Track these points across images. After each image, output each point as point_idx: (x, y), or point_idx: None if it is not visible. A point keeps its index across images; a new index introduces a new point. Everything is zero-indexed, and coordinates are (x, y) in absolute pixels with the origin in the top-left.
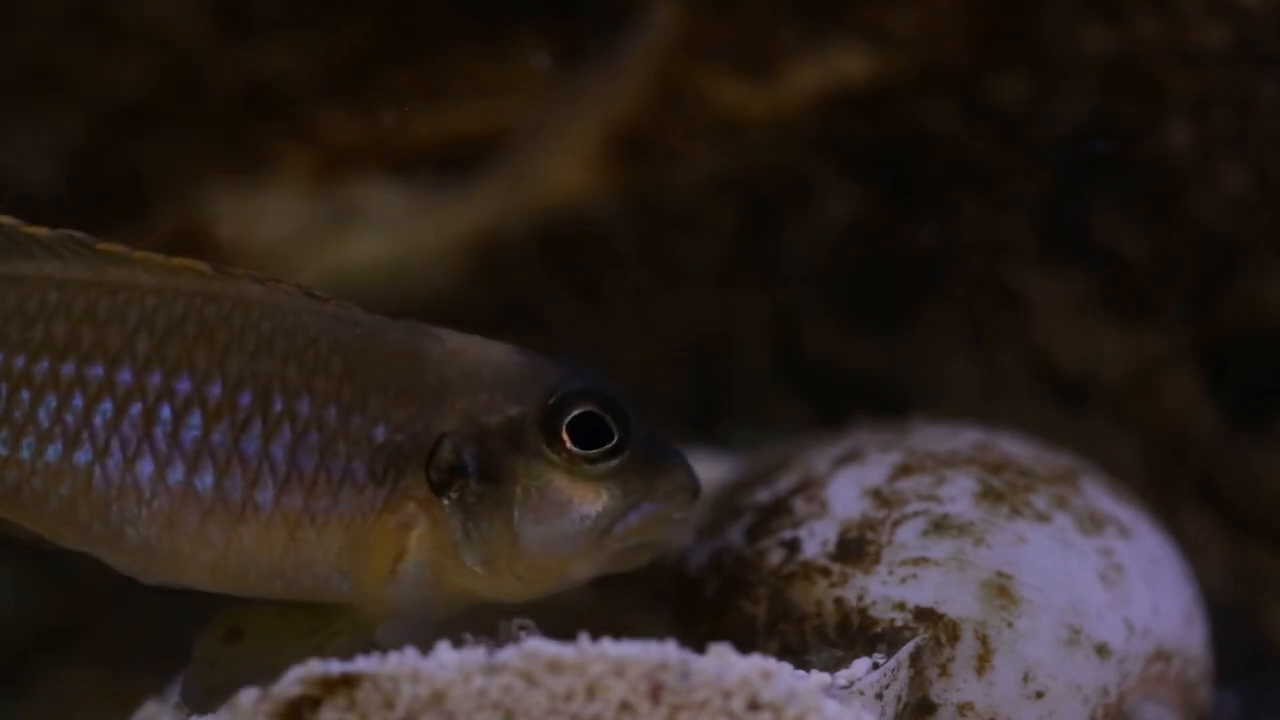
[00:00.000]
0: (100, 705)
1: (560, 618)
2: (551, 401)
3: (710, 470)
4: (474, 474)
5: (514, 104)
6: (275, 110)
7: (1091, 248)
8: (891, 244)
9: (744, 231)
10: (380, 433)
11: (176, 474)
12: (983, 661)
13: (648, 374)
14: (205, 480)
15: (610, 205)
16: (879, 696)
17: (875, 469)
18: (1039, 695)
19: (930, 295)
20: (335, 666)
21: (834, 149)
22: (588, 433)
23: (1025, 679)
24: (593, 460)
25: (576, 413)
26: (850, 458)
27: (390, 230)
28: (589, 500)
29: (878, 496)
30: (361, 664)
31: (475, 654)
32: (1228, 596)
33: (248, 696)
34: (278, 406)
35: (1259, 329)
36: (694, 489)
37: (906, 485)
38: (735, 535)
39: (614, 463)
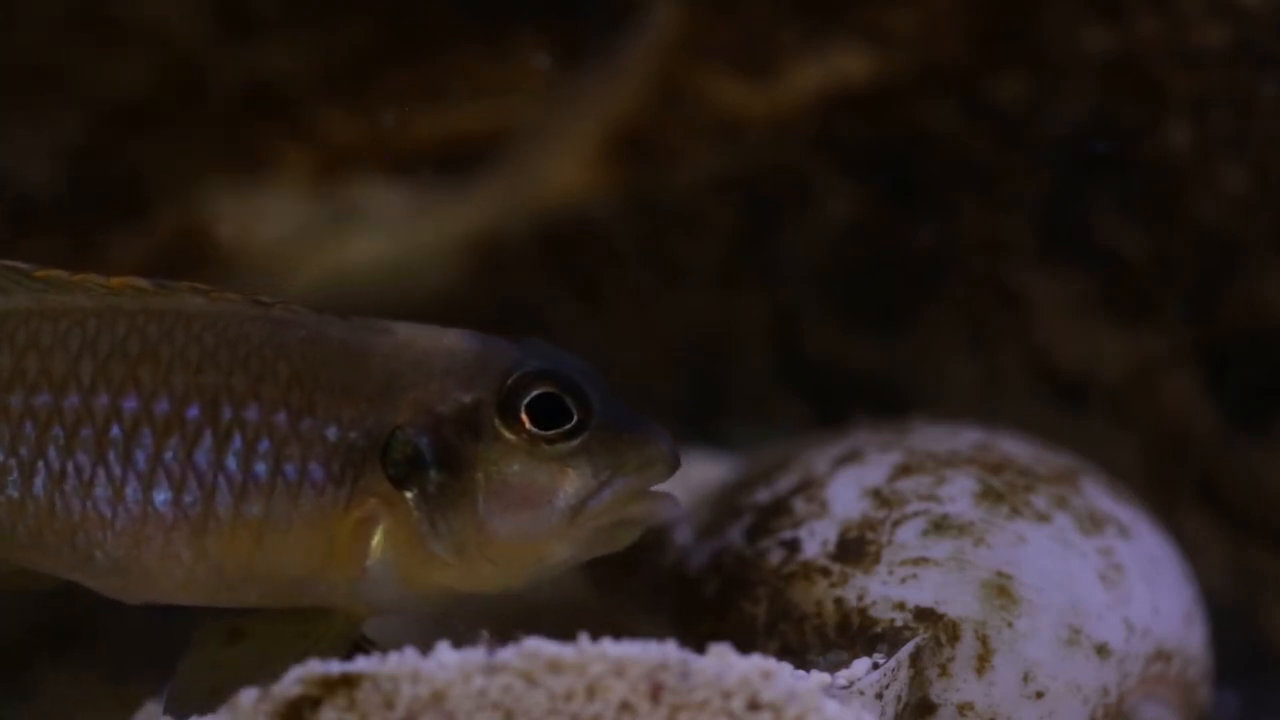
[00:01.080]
0: (101, 706)
1: (560, 618)
2: (507, 385)
3: (710, 470)
4: (433, 464)
5: (514, 104)
6: (275, 110)
7: (1091, 248)
8: (891, 244)
9: (744, 231)
10: (333, 432)
11: (133, 493)
12: (983, 661)
13: (648, 374)
14: (162, 496)
15: (610, 205)
16: (879, 696)
17: (875, 469)
18: (1039, 695)
19: (930, 295)
20: (335, 667)
21: (834, 149)
22: (548, 413)
23: (1025, 679)
24: (554, 441)
25: (534, 394)
26: (850, 458)
27: (390, 230)
28: (555, 481)
29: (878, 496)
30: (361, 664)
31: (475, 654)
32: (1228, 596)
33: (248, 697)
34: (226, 417)
35: (1259, 329)
36: (669, 460)
37: (906, 485)
38: (735, 535)
39: (577, 441)
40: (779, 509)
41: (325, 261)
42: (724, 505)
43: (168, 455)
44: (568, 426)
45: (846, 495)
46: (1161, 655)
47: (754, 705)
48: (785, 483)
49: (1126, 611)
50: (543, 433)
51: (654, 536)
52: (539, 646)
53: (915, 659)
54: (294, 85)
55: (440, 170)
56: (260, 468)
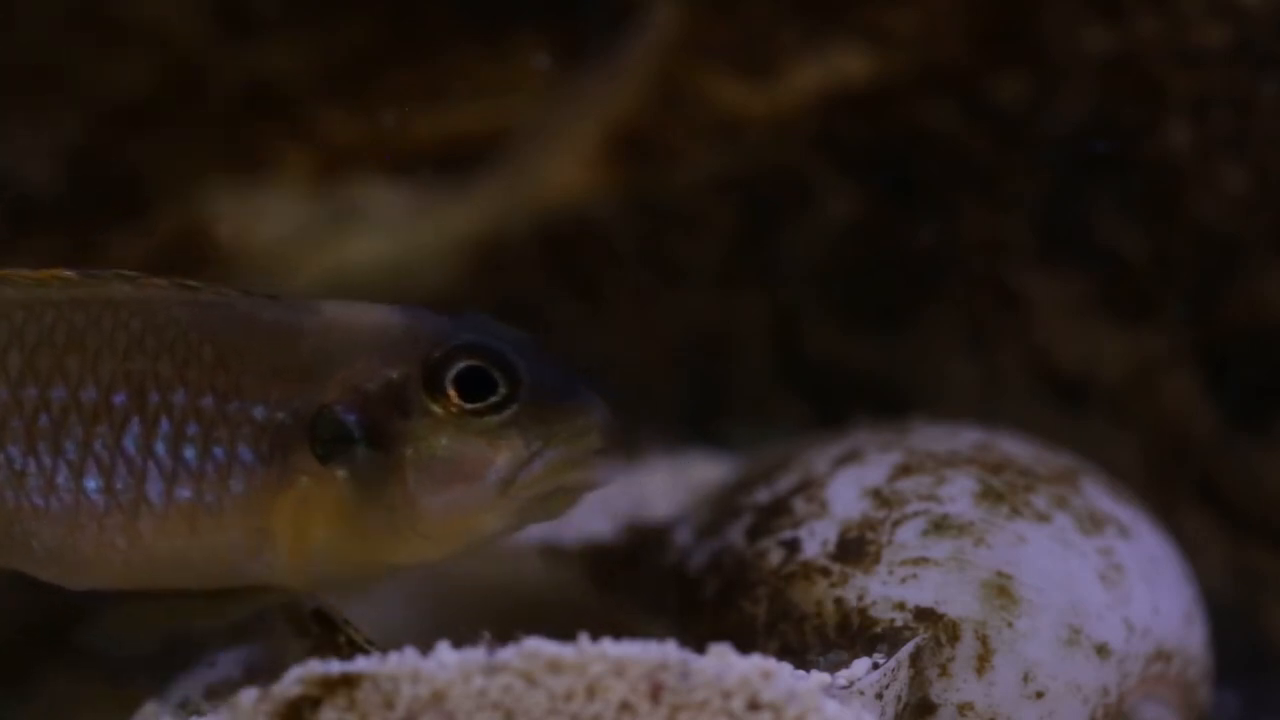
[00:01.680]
0: (100, 706)
1: (560, 617)
2: (433, 359)
3: (710, 470)
4: (361, 442)
5: (514, 104)
6: (275, 110)
7: (1091, 248)
8: (891, 244)
9: (744, 231)
10: (260, 413)
11: (65, 482)
12: (983, 661)
13: (648, 374)
14: (94, 484)
15: (610, 205)
16: (879, 696)
17: (875, 469)
18: (1039, 695)
19: (930, 295)
20: (335, 667)
21: (834, 149)
22: (475, 387)
23: (1025, 679)
24: (482, 414)
25: (459, 368)
26: (850, 458)
27: (390, 230)
28: (485, 455)
29: (878, 496)
30: (361, 664)
31: (475, 654)
32: (1228, 596)
33: (248, 696)
34: (154, 402)
35: (1259, 329)
36: (602, 427)
37: (906, 485)
38: (735, 535)
39: (507, 413)
40: (779, 509)
41: (325, 261)
42: (724, 505)
43: (97, 443)
44: (495, 399)
45: (846, 495)
46: (1161, 655)
47: (754, 705)
48: (785, 483)
49: (1126, 611)
50: (470, 406)
51: (654, 536)
52: (539, 646)
53: (915, 659)
54: (294, 85)
55: (440, 170)
56: (189, 452)
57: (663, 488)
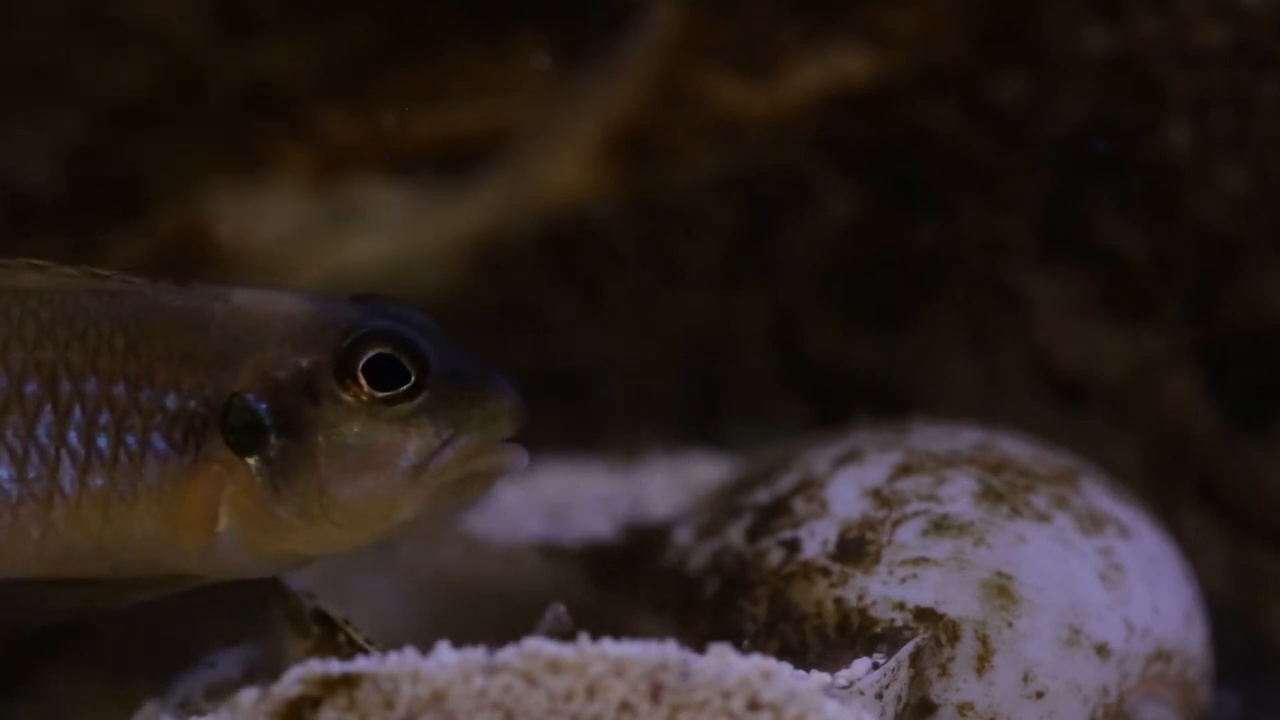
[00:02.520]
0: (100, 705)
1: None
2: (343, 347)
3: (710, 470)
4: (273, 429)
5: (514, 104)
6: (275, 110)
7: (1091, 248)
8: (891, 244)
9: (744, 231)
10: (172, 401)
11: None
12: (983, 661)
13: (648, 374)
14: (6, 473)
15: (610, 205)
16: (879, 696)
17: (875, 469)
18: (1039, 695)
19: (930, 295)
20: (335, 667)
21: (834, 149)
22: (385, 374)
23: (1025, 679)
24: (393, 401)
25: (369, 355)
26: (850, 458)
27: (390, 230)
28: (396, 442)
29: (878, 496)
30: (362, 664)
31: (475, 654)
32: (1228, 596)
33: (248, 696)
34: (65, 391)
35: (1259, 329)
36: (513, 414)
37: (906, 485)
38: (735, 535)
39: (417, 401)
40: (779, 509)
41: (325, 261)
42: (724, 505)
43: (9, 433)
44: (406, 386)
45: (846, 495)
46: (1161, 655)
47: (754, 705)
48: (785, 483)
49: (1126, 611)
50: (381, 394)
51: (654, 536)
52: (539, 646)
53: (915, 659)
54: (294, 85)
55: (440, 170)
56: (102, 440)
57: (663, 488)
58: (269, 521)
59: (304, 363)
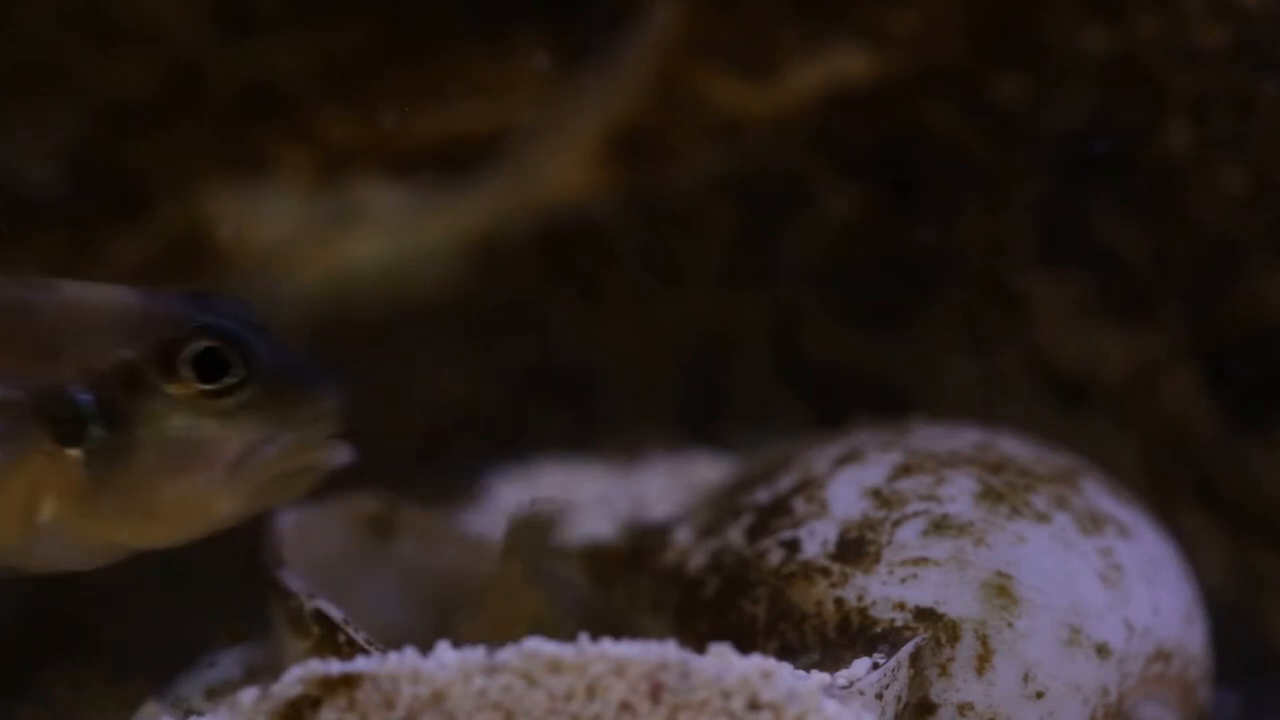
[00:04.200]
0: (100, 706)
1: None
2: (169, 340)
3: (710, 470)
4: (97, 422)
5: (514, 104)
6: (275, 110)
7: (1091, 248)
8: (891, 244)
9: (744, 231)
10: None
11: None
12: (983, 661)
13: (648, 374)
14: None
15: (610, 205)
16: (879, 696)
17: (875, 469)
18: (1039, 695)
19: (930, 295)
20: (335, 666)
21: (834, 149)
22: (211, 369)
23: (1025, 679)
24: (217, 396)
25: (196, 349)
26: (850, 458)
27: (390, 230)
28: (219, 437)
29: (878, 496)
30: (361, 664)
31: (475, 654)
32: (1228, 596)
33: (248, 696)
34: None
35: (1259, 329)
36: (335, 412)
37: (906, 485)
38: (735, 535)
39: (242, 396)
40: (779, 509)
41: (325, 261)
42: (724, 505)
43: None
44: (231, 381)
45: (846, 495)
46: (1161, 655)
47: (754, 705)
48: (785, 483)
49: (1126, 611)
50: (206, 388)
51: (654, 536)
52: (539, 646)
53: (915, 659)
54: (294, 85)
55: (440, 170)
56: None
57: (663, 488)
58: (91, 514)
59: (130, 355)
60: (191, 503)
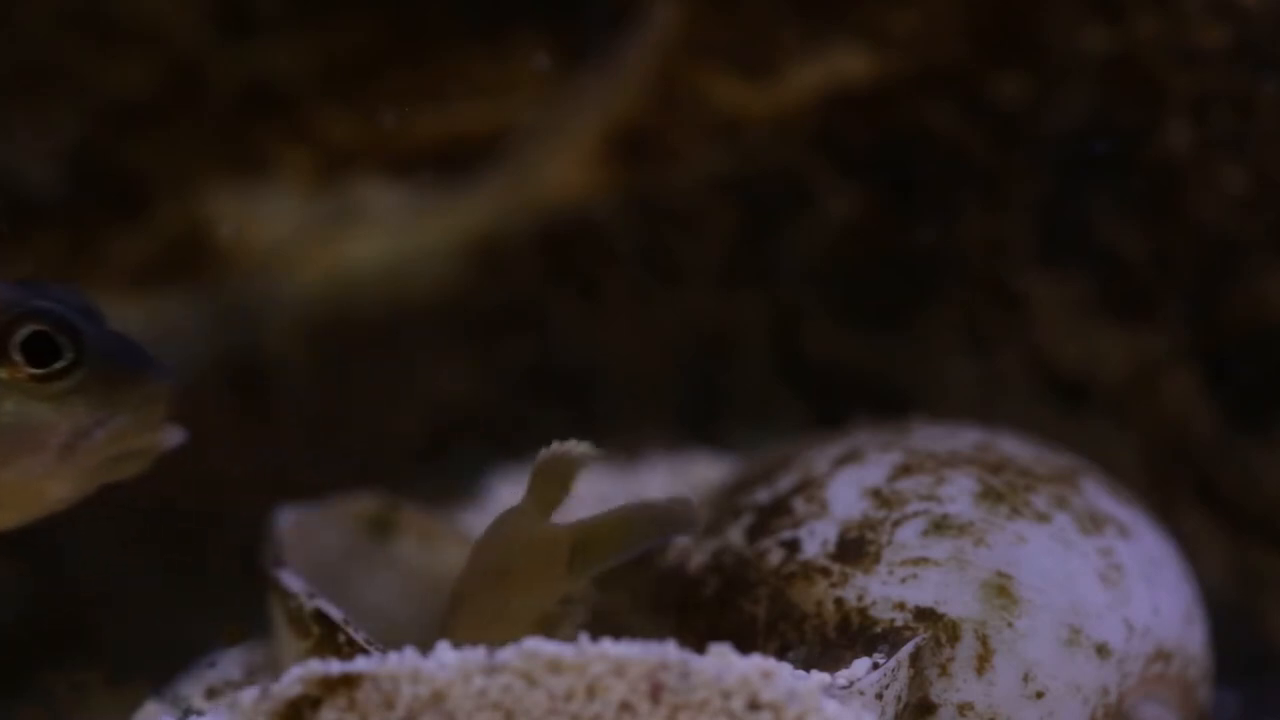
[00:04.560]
0: (100, 705)
1: None
2: None
3: (710, 470)
4: None
5: (514, 104)
6: (275, 110)
7: (1091, 248)
8: (891, 244)
9: (744, 231)
10: None
11: None
12: (983, 661)
13: (648, 374)
14: None
15: (610, 205)
16: (879, 696)
17: (875, 469)
18: (1039, 695)
19: (930, 295)
20: (335, 666)
21: (834, 149)
22: (41, 353)
23: (1025, 679)
24: (47, 380)
25: (24, 333)
26: (850, 458)
27: (390, 230)
28: (49, 420)
29: (878, 496)
30: (362, 664)
31: (475, 654)
32: (1228, 596)
33: (248, 696)
34: None
35: (1259, 329)
36: (166, 394)
37: (906, 485)
38: (735, 535)
39: (72, 380)
40: (779, 509)
41: (325, 261)
42: (724, 505)
43: None
44: (61, 365)
45: (846, 495)
46: (1161, 655)
47: (754, 705)
48: (785, 483)
49: (1126, 611)
50: (35, 371)
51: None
52: (539, 646)
53: (915, 659)
54: (294, 85)
55: (440, 170)
56: None
57: (663, 488)
58: None
59: None
60: (22, 488)
